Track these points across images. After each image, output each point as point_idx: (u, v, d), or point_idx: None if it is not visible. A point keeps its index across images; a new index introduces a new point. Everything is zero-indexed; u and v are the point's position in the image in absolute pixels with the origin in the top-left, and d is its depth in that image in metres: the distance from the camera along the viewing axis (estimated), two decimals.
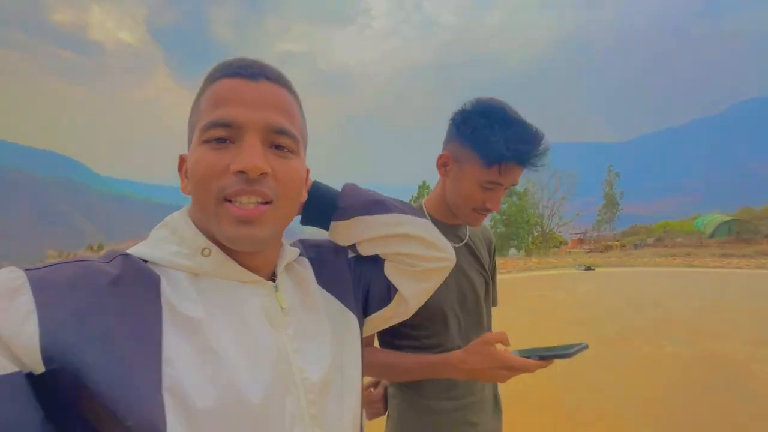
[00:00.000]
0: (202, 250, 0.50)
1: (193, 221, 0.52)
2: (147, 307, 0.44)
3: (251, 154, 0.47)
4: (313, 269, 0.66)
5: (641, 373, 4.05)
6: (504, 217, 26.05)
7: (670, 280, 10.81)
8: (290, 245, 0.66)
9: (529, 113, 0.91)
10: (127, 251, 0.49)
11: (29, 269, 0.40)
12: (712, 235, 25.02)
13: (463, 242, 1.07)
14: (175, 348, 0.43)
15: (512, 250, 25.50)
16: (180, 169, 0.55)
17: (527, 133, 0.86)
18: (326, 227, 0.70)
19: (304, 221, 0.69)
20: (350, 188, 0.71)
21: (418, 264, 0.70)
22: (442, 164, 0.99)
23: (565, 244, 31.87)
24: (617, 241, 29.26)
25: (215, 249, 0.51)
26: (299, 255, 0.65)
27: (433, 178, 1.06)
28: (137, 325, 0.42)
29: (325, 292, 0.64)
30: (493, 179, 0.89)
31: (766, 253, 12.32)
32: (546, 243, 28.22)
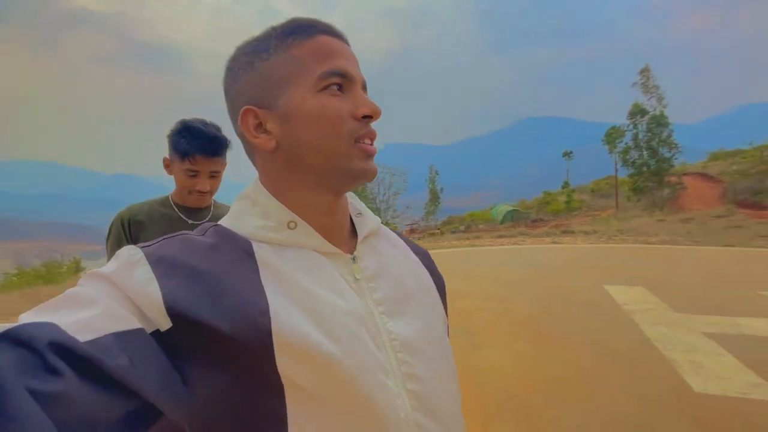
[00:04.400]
0: (288, 224, 0.52)
1: (270, 191, 0.54)
2: (245, 265, 0.48)
3: (371, 102, 0.52)
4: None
5: None
6: None
7: (454, 256, 13.21)
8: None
9: None
10: (216, 223, 0.54)
11: (143, 246, 0.47)
12: (501, 222, 32.19)
13: (205, 221, 1.36)
14: (274, 300, 0.45)
15: None
16: (246, 123, 0.52)
17: (203, 135, 1.25)
18: None
19: None
20: None
21: None
22: (166, 166, 1.36)
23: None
24: (438, 229, 34.78)
25: (300, 222, 0.52)
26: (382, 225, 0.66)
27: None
28: (240, 282, 0.46)
29: (423, 269, 0.65)
30: (189, 167, 1.27)
31: (524, 233, 17.02)
32: None
